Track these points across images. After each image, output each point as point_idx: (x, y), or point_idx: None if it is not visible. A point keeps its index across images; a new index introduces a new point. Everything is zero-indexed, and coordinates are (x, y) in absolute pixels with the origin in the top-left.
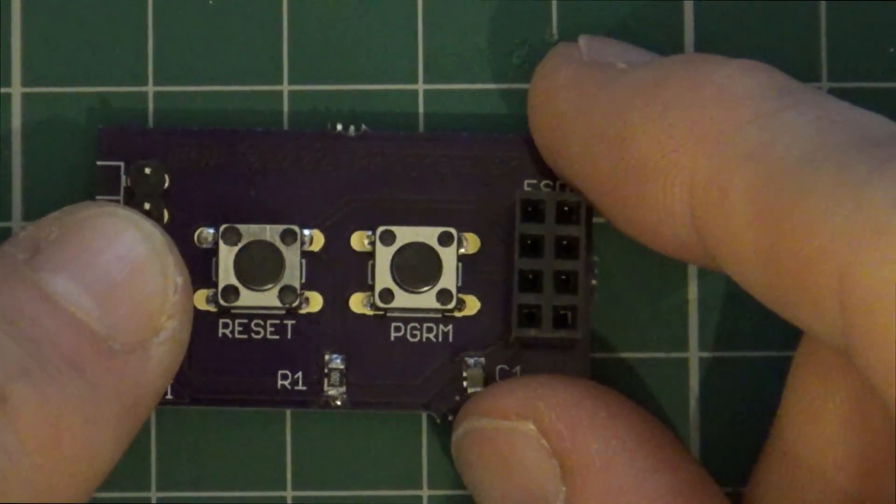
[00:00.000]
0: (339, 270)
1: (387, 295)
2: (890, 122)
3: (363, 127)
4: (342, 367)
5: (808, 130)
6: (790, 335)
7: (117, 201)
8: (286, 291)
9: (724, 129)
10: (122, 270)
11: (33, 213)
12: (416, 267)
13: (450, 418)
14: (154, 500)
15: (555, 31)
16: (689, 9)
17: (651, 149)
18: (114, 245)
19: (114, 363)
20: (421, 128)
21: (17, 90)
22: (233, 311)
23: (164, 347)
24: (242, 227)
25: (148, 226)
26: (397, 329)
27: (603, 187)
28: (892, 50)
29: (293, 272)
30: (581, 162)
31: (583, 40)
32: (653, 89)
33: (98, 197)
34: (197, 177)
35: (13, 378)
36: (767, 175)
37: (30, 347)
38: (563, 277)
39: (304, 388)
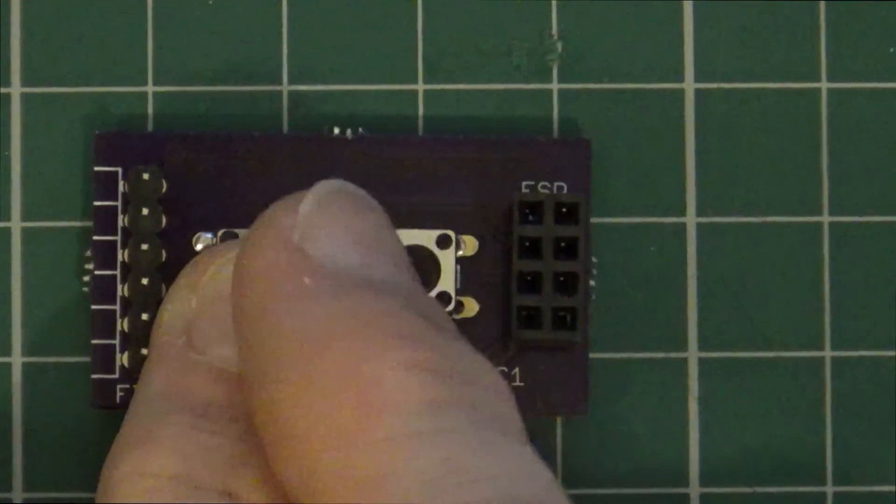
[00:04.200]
0: None
1: None
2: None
3: (360, 130)
4: None
5: (427, 475)
6: (788, 335)
7: (115, 207)
8: None
9: (352, 442)
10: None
11: (32, 213)
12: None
13: None
14: None
15: (554, 31)
16: (688, 9)
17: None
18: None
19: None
20: (420, 127)
21: (16, 90)
22: None
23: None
24: (241, 232)
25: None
26: None
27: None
28: (892, 50)
29: None
30: (248, 380)
31: (310, 197)
32: (308, 354)
33: (96, 203)
34: (195, 182)
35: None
36: None
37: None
38: (562, 279)
39: None
